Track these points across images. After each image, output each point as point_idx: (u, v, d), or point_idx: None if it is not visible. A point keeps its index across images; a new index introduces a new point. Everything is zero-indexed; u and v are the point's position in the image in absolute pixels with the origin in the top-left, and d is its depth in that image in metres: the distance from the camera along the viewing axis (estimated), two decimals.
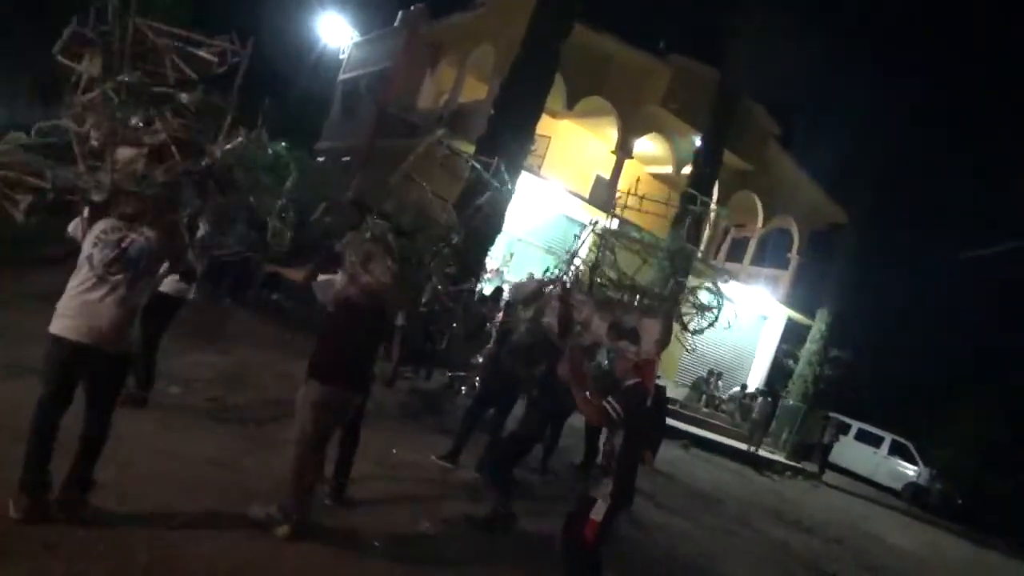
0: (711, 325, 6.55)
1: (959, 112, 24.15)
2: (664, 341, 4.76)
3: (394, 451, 6.82)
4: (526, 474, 7.85)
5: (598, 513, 3.91)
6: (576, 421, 9.46)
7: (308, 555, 4.19)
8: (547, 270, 7.39)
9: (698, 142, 18.34)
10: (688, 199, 10.78)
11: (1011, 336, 26.77)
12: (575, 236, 6.57)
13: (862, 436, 22.87)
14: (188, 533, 3.95)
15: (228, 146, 3.95)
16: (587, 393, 4.22)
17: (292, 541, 4.19)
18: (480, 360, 10.27)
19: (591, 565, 4.06)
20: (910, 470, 22.15)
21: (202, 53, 4.00)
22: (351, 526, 4.83)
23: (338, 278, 4.45)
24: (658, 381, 7.99)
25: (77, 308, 3.63)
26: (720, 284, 6.99)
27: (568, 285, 5.81)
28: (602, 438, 4.00)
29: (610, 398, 4.00)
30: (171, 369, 6.68)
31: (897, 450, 22.47)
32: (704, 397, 19.86)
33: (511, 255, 11.71)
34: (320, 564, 4.19)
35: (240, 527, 4.20)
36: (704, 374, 20.45)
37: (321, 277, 4.62)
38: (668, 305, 5.83)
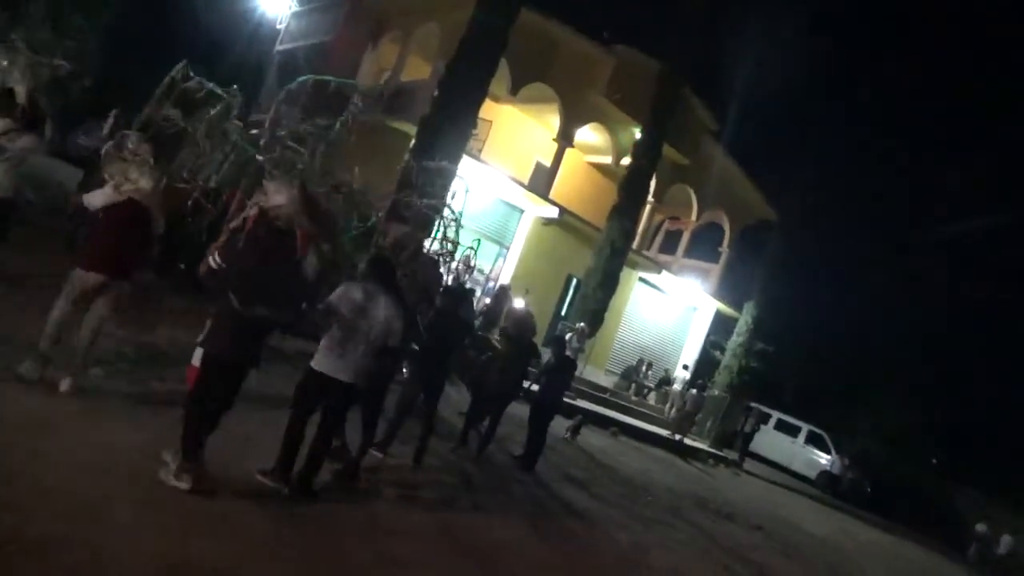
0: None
1: (891, 115, 25.06)
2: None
3: None
4: (465, 464, 7.85)
5: (196, 359, 4.54)
6: (517, 412, 9.54)
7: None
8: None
9: (638, 134, 18.52)
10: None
11: (921, 331, 28.21)
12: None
13: (781, 426, 23.78)
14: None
15: None
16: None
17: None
18: None
19: (196, 403, 4.45)
20: (824, 459, 23.14)
21: None
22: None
23: (105, 190, 5.36)
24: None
25: None
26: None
27: None
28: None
29: (216, 254, 4.52)
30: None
31: (813, 440, 23.45)
32: (634, 385, 20.19)
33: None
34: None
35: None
36: (634, 363, 20.80)
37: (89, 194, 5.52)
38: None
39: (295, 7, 23.68)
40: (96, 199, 5.38)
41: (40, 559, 3.25)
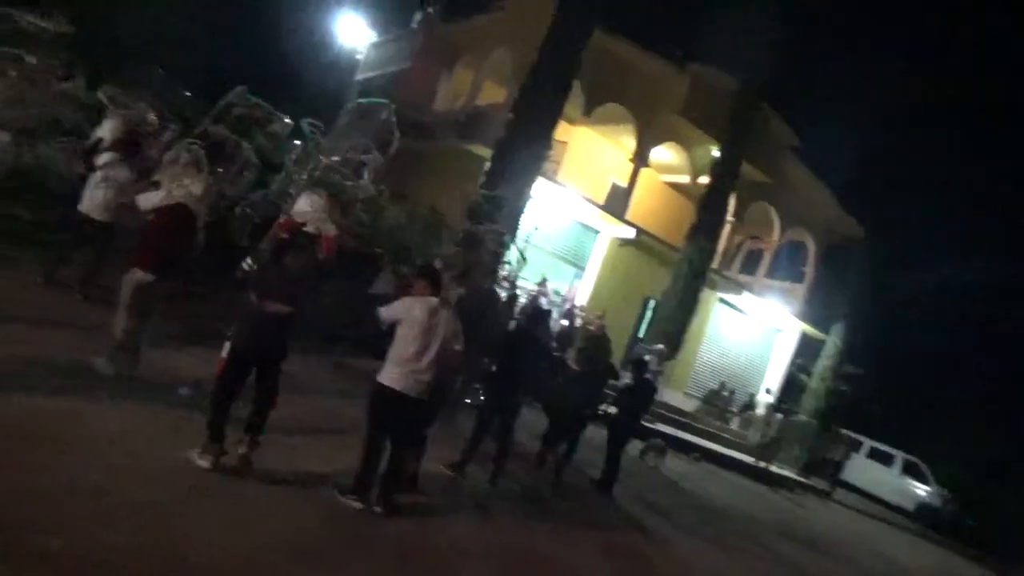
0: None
1: (979, 128, 23.87)
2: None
3: None
4: (541, 487, 7.74)
5: (224, 351, 4.84)
6: (596, 435, 9.37)
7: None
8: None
9: (716, 152, 18.16)
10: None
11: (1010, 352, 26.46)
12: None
13: (874, 454, 22.56)
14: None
15: None
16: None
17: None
18: None
19: (220, 389, 4.80)
20: (922, 490, 21.83)
21: None
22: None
23: (159, 191, 5.81)
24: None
25: None
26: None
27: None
28: None
29: (249, 258, 5.10)
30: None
31: (909, 469, 22.15)
32: (716, 410, 19.62)
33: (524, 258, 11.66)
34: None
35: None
36: (716, 386, 20.24)
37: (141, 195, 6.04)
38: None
39: (373, 38, 24.45)
40: (149, 200, 5.82)
41: (92, 569, 3.30)
